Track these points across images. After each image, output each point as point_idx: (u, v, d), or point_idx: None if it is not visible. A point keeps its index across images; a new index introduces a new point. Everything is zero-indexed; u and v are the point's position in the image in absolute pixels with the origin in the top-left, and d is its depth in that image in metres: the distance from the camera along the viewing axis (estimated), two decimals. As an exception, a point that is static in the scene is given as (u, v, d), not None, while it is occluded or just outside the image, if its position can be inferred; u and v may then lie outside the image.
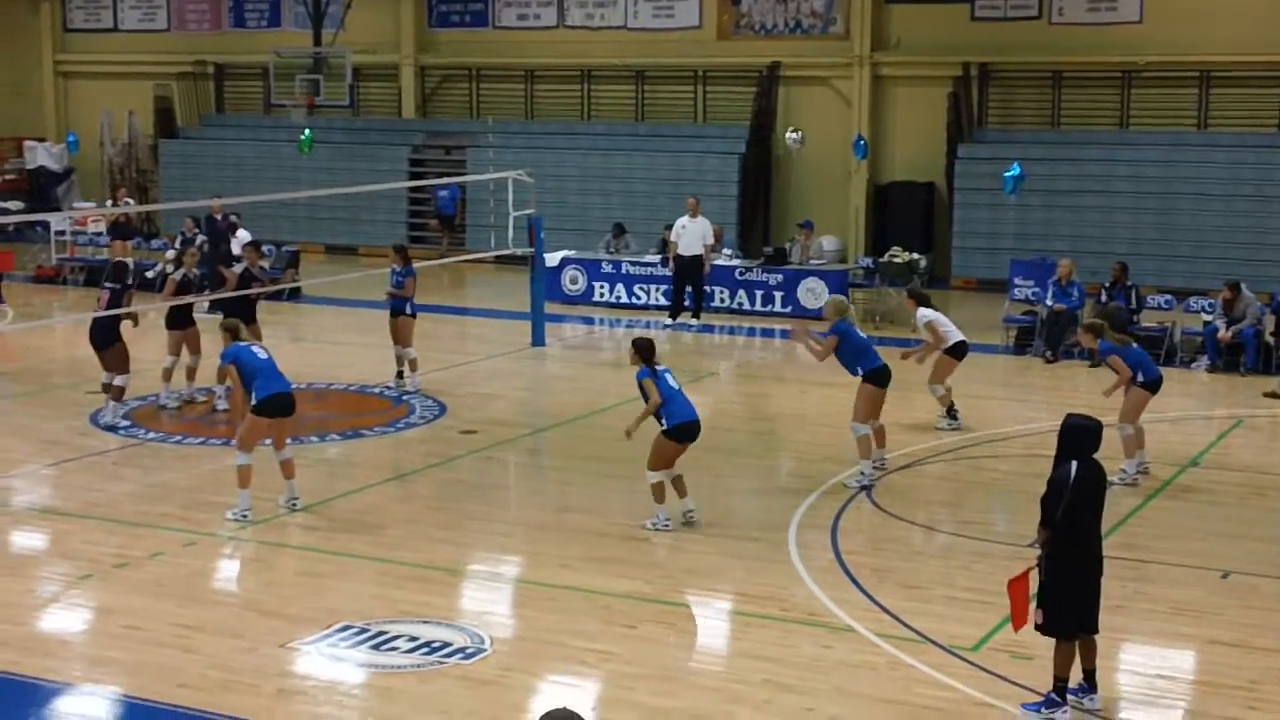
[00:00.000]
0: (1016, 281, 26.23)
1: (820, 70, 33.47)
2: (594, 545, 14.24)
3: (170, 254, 30.10)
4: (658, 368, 14.68)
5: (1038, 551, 10.50)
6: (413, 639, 11.79)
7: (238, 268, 20.65)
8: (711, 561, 13.90)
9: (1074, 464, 10.32)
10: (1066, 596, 10.34)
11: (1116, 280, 24.33)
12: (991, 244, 30.83)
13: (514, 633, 12.21)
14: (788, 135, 31.06)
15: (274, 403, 14.99)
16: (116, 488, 16.25)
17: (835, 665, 11.36)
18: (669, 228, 28.08)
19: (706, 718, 10.46)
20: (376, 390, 21.12)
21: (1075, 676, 10.54)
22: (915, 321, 19.30)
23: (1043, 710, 10.43)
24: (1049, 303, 24.45)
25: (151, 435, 18.51)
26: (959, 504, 16.01)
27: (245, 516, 14.89)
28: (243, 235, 26.15)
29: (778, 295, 27.76)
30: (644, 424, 14.66)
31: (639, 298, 28.48)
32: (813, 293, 27.37)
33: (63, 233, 32.45)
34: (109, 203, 33.58)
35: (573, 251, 29.71)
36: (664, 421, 14.54)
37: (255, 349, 15.40)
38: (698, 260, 27.08)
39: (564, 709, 6.11)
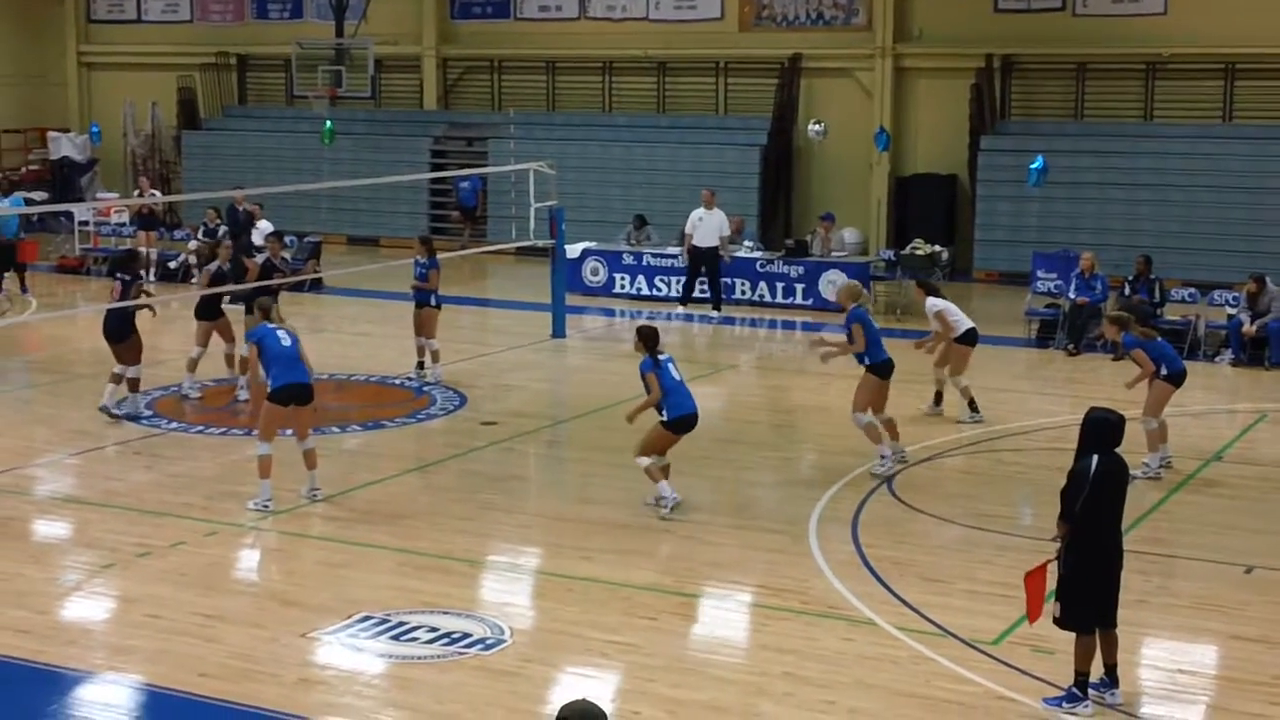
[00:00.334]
0: (1039, 274, 26.14)
1: (842, 62, 33.40)
2: (614, 537, 14.24)
3: (193, 245, 30.26)
4: (661, 357, 14.79)
5: (1058, 545, 10.47)
6: (432, 630, 11.80)
7: (259, 258, 20.66)
8: (732, 554, 13.89)
9: (1095, 457, 10.28)
10: (1085, 590, 10.30)
11: (1140, 273, 24.25)
12: (1014, 237, 30.71)
13: (534, 624, 12.21)
14: (809, 127, 30.99)
15: (288, 392, 15.02)
16: (139, 477, 16.30)
17: (856, 658, 11.34)
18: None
19: (727, 710, 10.46)
20: (397, 381, 21.14)
21: (1097, 671, 10.50)
22: (926, 310, 19.35)
23: (1064, 704, 10.40)
24: (1071, 296, 24.36)
25: (174, 425, 18.54)
26: (980, 497, 15.96)
27: (266, 506, 14.92)
28: (264, 226, 26.19)
29: (799, 287, 27.71)
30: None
31: (660, 289, 28.45)
32: (834, 285, 27.22)
33: (86, 223, 32.54)
34: (136, 193, 33.63)
35: (594, 243, 29.69)
36: (664, 413, 14.73)
37: (281, 334, 15.32)
38: (714, 252, 27.10)
39: (583, 701, 6.10)
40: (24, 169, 39.72)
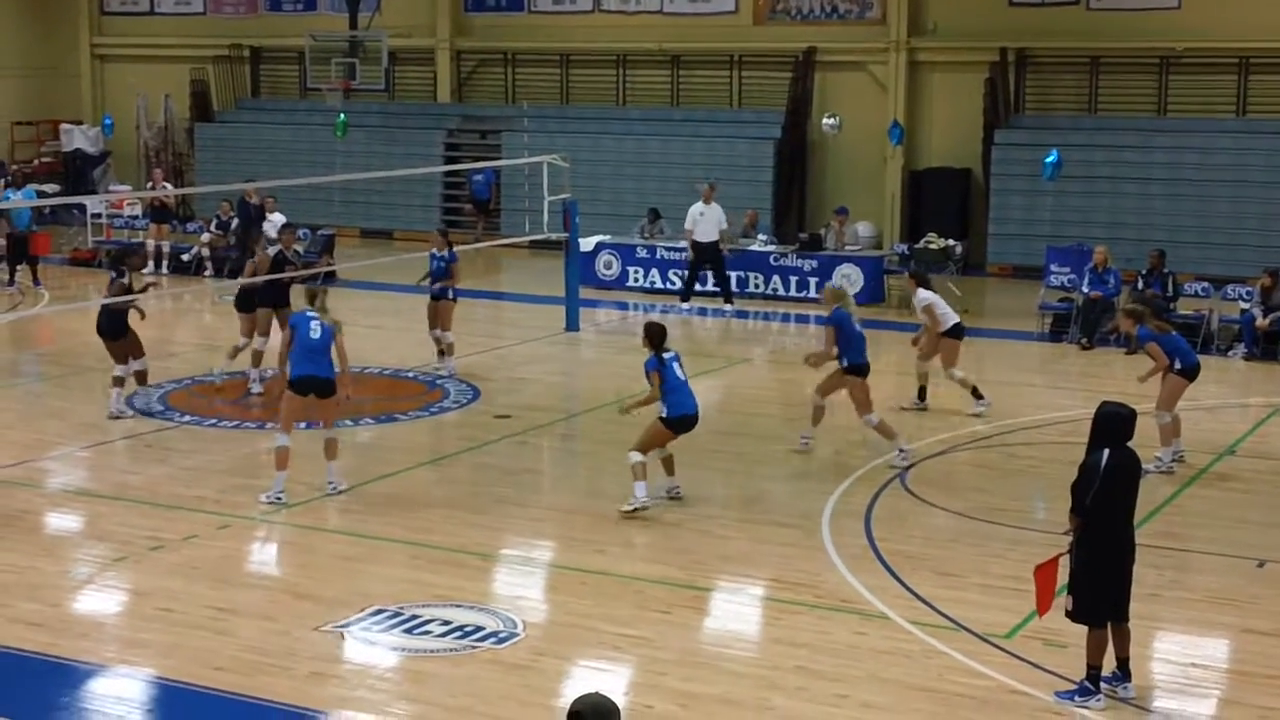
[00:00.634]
0: (1052, 268, 26.09)
1: (856, 55, 33.34)
2: (627, 530, 14.24)
3: (206, 237, 30.33)
4: (666, 355, 14.74)
5: (1070, 539, 10.46)
6: (445, 623, 11.81)
7: (272, 250, 20.67)
8: (745, 547, 13.89)
9: (1106, 451, 10.27)
10: (1097, 584, 10.30)
11: (1154, 267, 24.19)
12: (1027, 230, 30.66)
13: (546, 617, 12.21)
14: (824, 120, 30.93)
15: (304, 383, 15.07)
16: (151, 470, 16.31)
17: (869, 652, 11.33)
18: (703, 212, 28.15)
19: (739, 704, 10.45)
20: (411, 374, 21.15)
21: (1109, 665, 10.49)
22: (915, 303, 19.36)
23: (1077, 698, 10.39)
24: (1085, 290, 24.32)
25: (186, 418, 18.56)
26: (993, 491, 15.94)
27: (279, 499, 14.93)
28: (277, 219, 26.20)
29: (812, 281, 27.66)
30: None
31: (673, 283, 28.40)
32: (847, 279, 27.29)
33: (99, 215, 32.58)
34: (148, 185, 33.67)
35: (607, 236, 29.69)
36: (665, 410, 14.69)
37: (314, 324, 15.31)
38: (715, 246, 27.15)
39: (596, 694, 6.10)
40: (36, 161, 39.80)
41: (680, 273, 28.25)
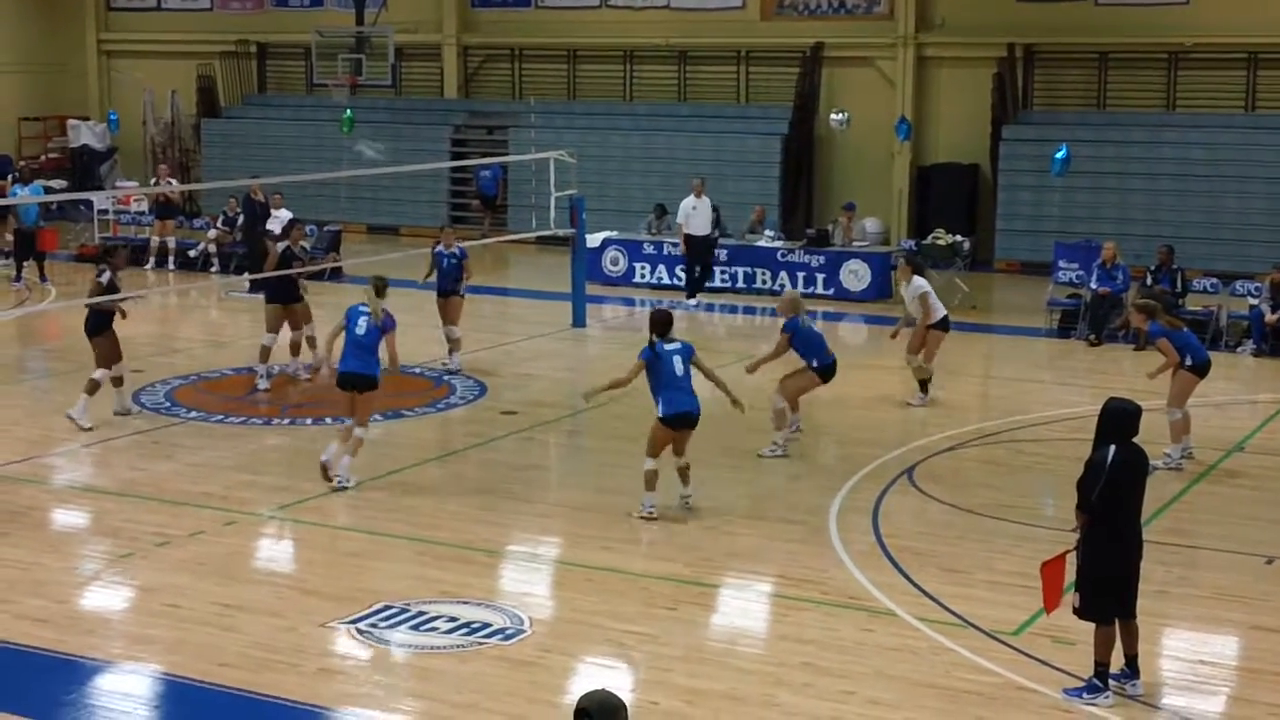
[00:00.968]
0: (1060, 264, 26.06)
1: (864, 51, 33.31)
2: (633, 527, 14.22)
3: (213, 233, 30.32)
4: (669, 346, 14.39)
5: (1078, 535, 10.43)
6: (452, 619, 11.79)
7: (280, 246, 20.65)
8: (752, 544, 13.87)
9: (1112, 447, 10.23)
10: (1104, 580, 10.27)
11: (1162, 263, 24.14)
12: (1035, 226, 30.64)
13: (553, 614, 12.20)
14: (832, 116, 30.89)
15: (344, 379, 15.45)
16: (158, 466, 16.30)
17: (875, 649, 11.31)
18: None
19: (745, 700, 10.43)
20: (417, 370, 21.12)
21: (1118, 662, 10.46)
22: (907, 290, 19.36)
23: (1085, 695, 10.36)
24: (1093, 286, 24.27)
25: (193, 414, 18.55)
26: (1001, 487, 15.91)
27: (345, 485, 15.23)
28: (283, 214, 26.18)
29: (820, 277, 27.64)
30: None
31: (680, 279, 28.34)
32: (855, 275, 27.31)
33: (105, 211, 32.57)
34: (153, 181, 33.67)
35: (614, 232, 29.66)
36: (659, 408, 14.40)
37: (362, 319, 15.52)
38: (707, 240, 27.22)
39: (602, 691, 6.08)
40: (44, 157, 39.79)
41: (687, 268, 28.18)
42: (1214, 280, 25.07)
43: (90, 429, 17.44)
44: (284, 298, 19.89)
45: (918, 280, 19.35)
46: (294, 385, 20.07)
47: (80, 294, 27.03)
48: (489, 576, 13.12)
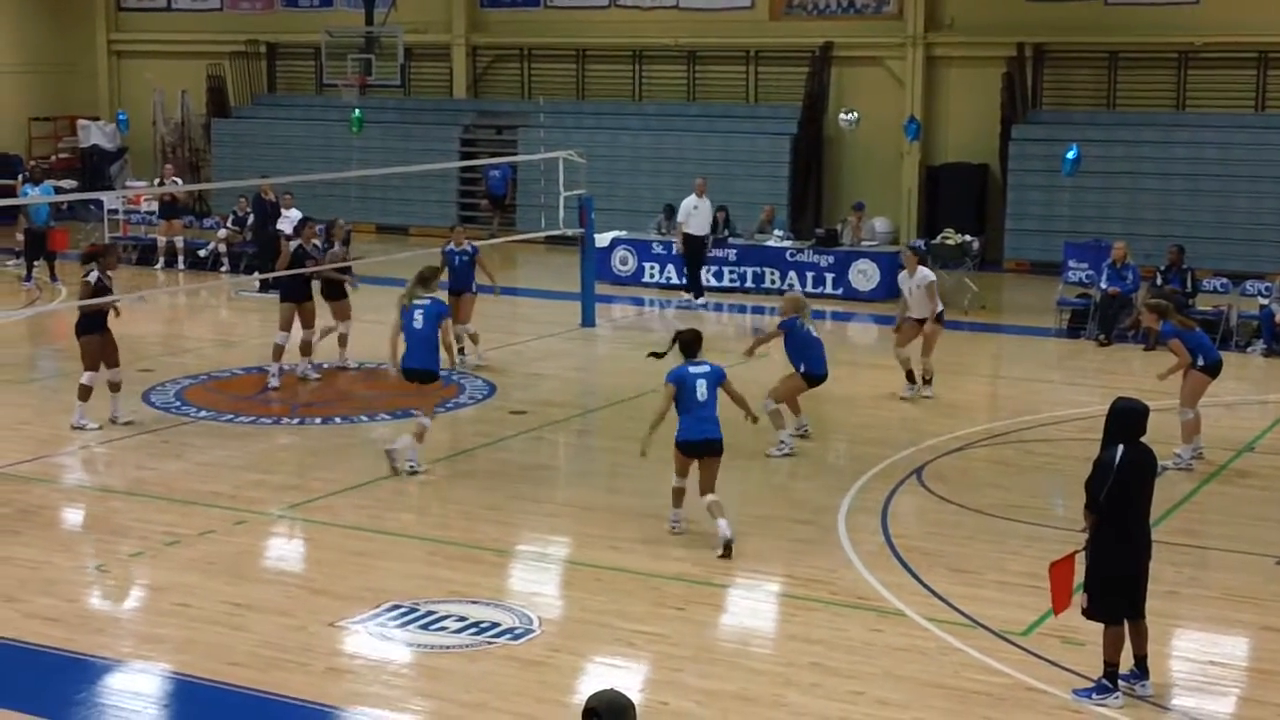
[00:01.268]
0: (1070, 264, 26.02)
1: (873, 50, 33.31)
2: (643, 527, 14.21)
3: (223, 233, 30.35)
4: (694, 370, 13.63)
5: (1086, 536, 10.41)
6: (461, 619, 11.79)
7: (292, 245, 20.66)
8: (760, 544, 13.86)
9: (1120, 447, 10.22)
10: (1112, 580, 10.25)
11: (1173, 263, 24.10)
12: (1045, 226, 30.61)
13: (562, 614, 12.20)
14: (841, 116, 30.88)
15: (406, 373, 16.05)
16: (167, 465, 16.32)
17: (884, 649, 11.30)
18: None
19: (754, 700, 10.42)
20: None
21: (1127, 662, 10.45)
22: (912, 280, 19.40)
23: (1094, 696, 10.35)
24: (1103, 286, 24.24)
25: (203, 414, 18.57)
26: (1010, 488, 15.89)
27: (416, 469, 15.73)
28: (293, 214, 26.20)
29: (829, 277, 27.63)
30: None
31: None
32: (864, 274, 27.28)
33: (115, 211, 32.62)
34: (157, 181, 33.71)
35: (623, 232, 29.65)
36: (677, 432, 13.72)
37: (418, 312, 15.94)
38: (704, 241, 27.45)
39: (612, 691, 6.08)
40: (54, 157, 39.84)
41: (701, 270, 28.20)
42: (1224, 280, 25.03)
43: (99, 428, 17.44)
44: (297, 296, 19.92)
45: (924, 270, 19.43)
46: (304, 385, 20.08)
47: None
48: (498, 576, 13.12)
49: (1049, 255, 28.81)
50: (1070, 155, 27.80)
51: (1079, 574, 10.40)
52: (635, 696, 6.64)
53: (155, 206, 32.26)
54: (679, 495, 13.98)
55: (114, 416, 17.74)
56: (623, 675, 10.82)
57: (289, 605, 12.13)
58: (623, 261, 29.15)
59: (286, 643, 11.32)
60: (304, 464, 16.45)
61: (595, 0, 36.02)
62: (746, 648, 11.49)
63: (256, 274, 26.23)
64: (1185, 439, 16.47)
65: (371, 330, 21.51)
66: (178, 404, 19.01)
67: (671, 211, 29.68)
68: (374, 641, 11.45)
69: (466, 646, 11.31)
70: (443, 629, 11.62)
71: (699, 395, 13.52)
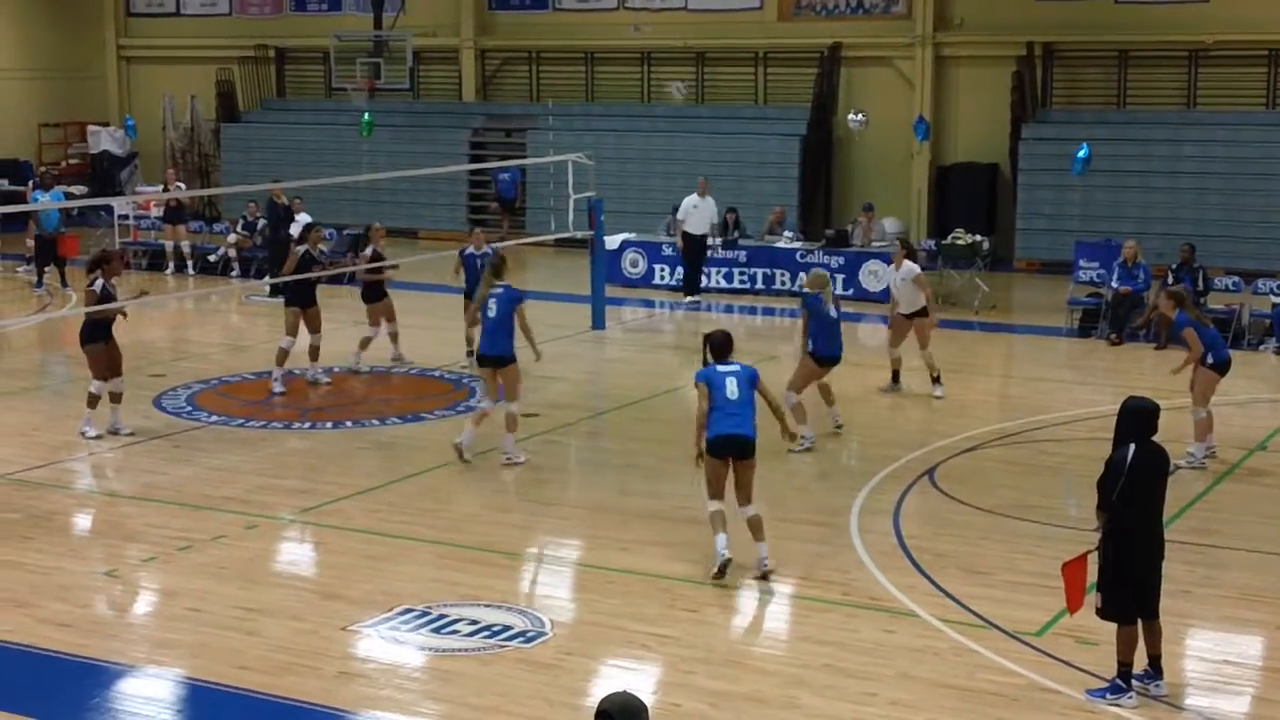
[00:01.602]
0: (1081, 263, 25.99)
1: (882, 51, 33.29)
2: (654, 529, 14.19)
3: (232, 238, 30.37)
4: (726, 368, 12.89)
5: (1099, 535, 10.39)
6: (473, 622, 11.78)
7: (300, 250, 20.68)
8: (773, 545, 13.79)
9: (1132, 446, 10.19)
10: (1125, 580, 10.22)
11: (1184, 261, 24.05)
12: (1056, 225, 30.57)
13: (574, 616, 12.18)
14: (850, 116, 30.85)
15: (484, 360, 16.41)
16: (179, 470, 16.33)
17: (898, 650, 11.28)
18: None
19: (767, 702, 10.41)
20: (437, 373, 21.15)
21: (1141, 662, 10.42)
22: (898, 274, 19.49)
23: (1108, 696, 10.32)
24: (1114, 285, 24.21)
25: (214, 419, 18.58)
26: (1022, 488, 15.86)
27: (517, 460, 16.40)
28: (304, 218, 26.23)
29: (839, 278, 27.55)
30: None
31: (700, 281, 28.31)
32: (875, 275, 27.23)
33: (126, 217, 32.64)
34: (160, 187, 33.75)
35: (633, 234, 29.64)
36: (706, 434, 12.85)
37: (492, 300, 16.34)
38: (703, 240, 27.50)
39: (624, 693, 6.06)
40: (64, 163, 39.90)
41: (706, 270, 28.16)
42: (1236, 278, 24.97)
43: (98, 436, 17.43)
44: (302, 301, 19.91)
45: (909, 264, 19.55)
46: (314, 389, 20.09)
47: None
48: (510, 579, 13.11)
49: (1059, 254, 28.78)
50: (1081, 154, 27.73)
51: (1092, 574, 10.38)
52: (648, 699, 6.63)
53: (161, 212, 32.30)
54: (719, 520, 12.81)
55: (115, 428, 17.64)
56: (635, 678, 10.80)
57: (301, 609, 12.13)
58: (633, 264, 29.14)
59: (299, 647, 11.32)
60: (315, 468, 16.45)
61: (603, 2, 36.03)
62: (759, 649, 11.49)
63: (267, 278, 26.23)
64: (1198, 437, 16.43)
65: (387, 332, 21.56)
66: (189, 409, 19.02)
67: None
68: (386, 645, 11.44)
69: (479, 650, 11.30)
70: (455, 632, 11.61)
71: (729, 393, 12.73)
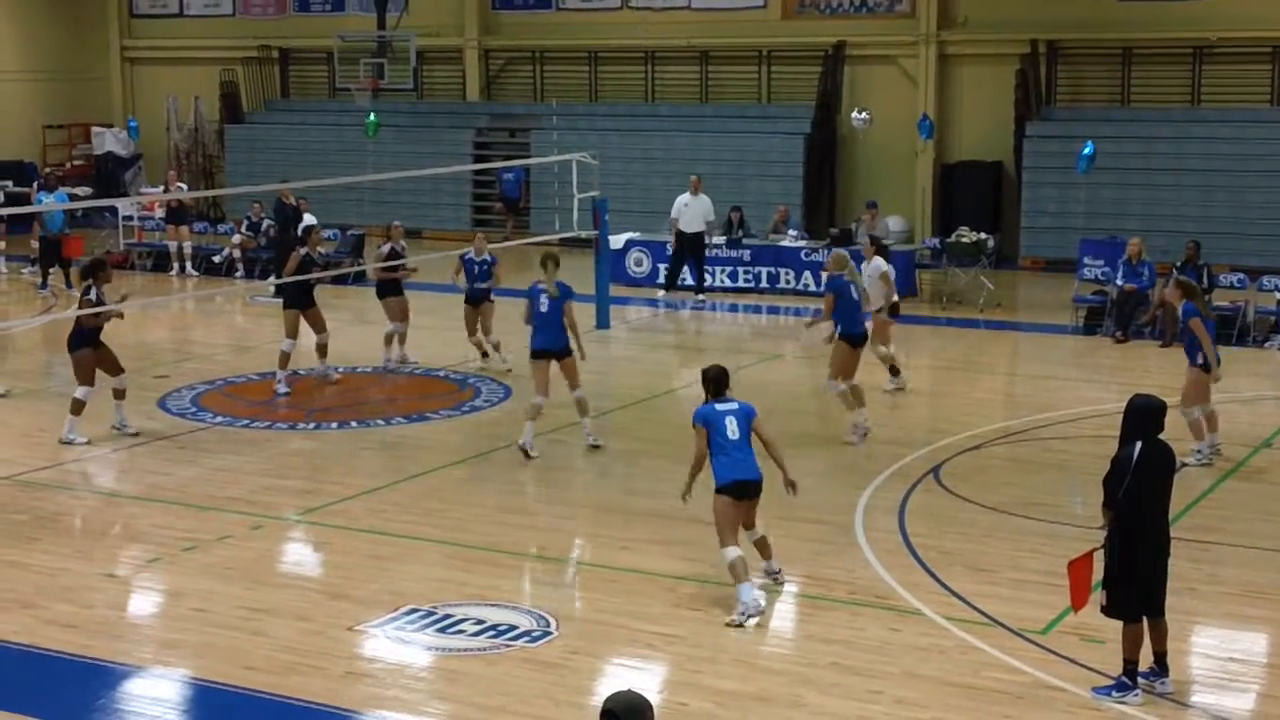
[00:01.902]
0: (1086, 261, 25.96)
1: (886, 49, 33.28)
2: (659, 528, 14.19)
3: (237, 239, 30.37)
4: (721, 408, 12.26)
5: (1104, 533, 10.38)
6: (479, 622, 11.79)
7: (301, 251, 20.68)
8: (778, 544, 13.77)
9: (1138, 444, 10.18)
10: (1131, 577, 10.22)
11: (1189, 259, 24.00)
12: (1060, 223, 30.54)
13: (579, 615, 12.18)
14: (854, 115, 30.84)
15: (539, 354, 16.90)
16: (184, 471, 16.33)
17: (903, 648, 11.27)
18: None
19: (773, 701, 10.40)
20: (441, 373, 21.15)
21: (1146, 660, 10.42)
22: (867, 269, 19.61)
23: (1114, 694, 10.32)
24: (1119, 282, 24.19)
25: (219, 419, 18.59)
26: (1027, 486, 15.85)
27: (597, 444, 17.09)
28: (308, 219, 26.24)
29: (841, 277, 27.55)
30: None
31: (703, 279, 28.32)
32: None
33: (130, 218, 32.65)
34: (161, 188, 33.77)
35: (637, 234, 29.63)
36: (714, 477, 12.26)
37: (541, 297, 16.84)
38: (699, 237, 27.41)
39: (629, 692, 6.06)
40: (68, 164, 39.89)
41: (710, 269, 28.16)
42: (1241, 275, 24.95)
43: (87, 442, 17.36)
44: (301, 303, 19.91)
45: (877, 260, 19.65)
46: (328, 386, 20.11)
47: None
48: (515, 579, 13.12)
49: (1064, 252, 28.75)
50: (1086, 152, 27.71)
51: (1098, 571, 10.37)
52: (653, 698, 6.62)
53: (164, 212, 32.32)
54: (743, 567, 12.03)
55: (120, 424, 17.68)
56: (641, 677, 10.80)
57: (307, 609, 12.13)
58: (637, 263, 29.13)
59: (304, 647, 11.33)
60: (320, 468, 16.46)
61: (607, 2, 36.02)
62: (764, 648, 11.47)
63: (272, 278, 26.22)
64: (1196, 437, 16.38)
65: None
66: (193, 410, 19.03)
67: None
68: (392, 645, 11.44)
69: (484, 649, 11.30)
70: (460, 632, 11.62)
71: (730, 434, 12.13)
